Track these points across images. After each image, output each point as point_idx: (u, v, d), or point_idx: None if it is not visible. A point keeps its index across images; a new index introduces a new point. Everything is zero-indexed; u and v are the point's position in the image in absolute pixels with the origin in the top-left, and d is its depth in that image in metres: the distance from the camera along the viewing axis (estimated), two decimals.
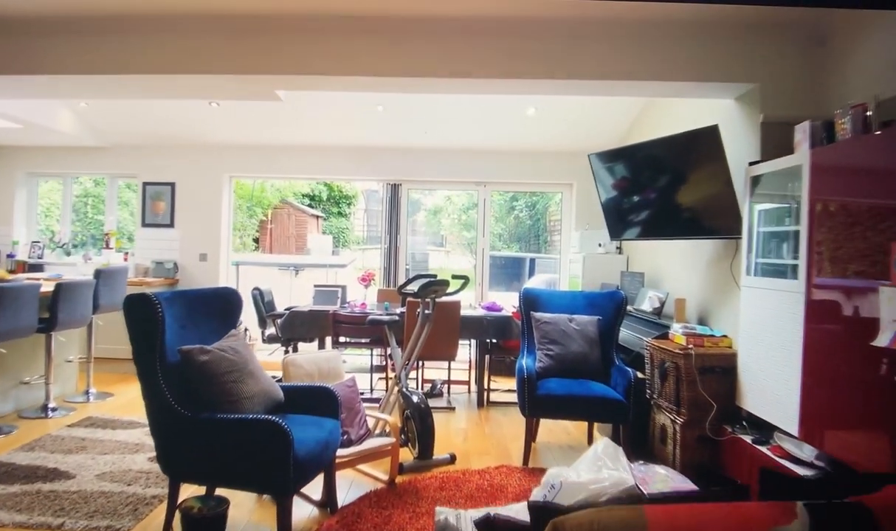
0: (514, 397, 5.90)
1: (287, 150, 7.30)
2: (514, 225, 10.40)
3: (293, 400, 3.47)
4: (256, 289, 6.12)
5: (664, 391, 4.25)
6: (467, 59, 4.16)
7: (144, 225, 7.31)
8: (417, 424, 4.22)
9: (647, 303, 5.32)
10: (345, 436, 3.89)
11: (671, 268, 5.46)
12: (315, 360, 4.14)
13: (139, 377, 3.02)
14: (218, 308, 3.55)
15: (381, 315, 4.99)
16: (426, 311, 4.38)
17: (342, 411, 3.97)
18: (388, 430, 4.10)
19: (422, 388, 6.18)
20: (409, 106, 6.23)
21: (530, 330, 4.65)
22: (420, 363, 6.13)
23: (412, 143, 7.16)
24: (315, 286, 6.16)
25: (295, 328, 5.76)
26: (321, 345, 5.97)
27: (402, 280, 7.35)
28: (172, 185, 7.29)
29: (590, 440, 4.80)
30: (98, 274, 5.46)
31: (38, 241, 7.44)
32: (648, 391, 4.50)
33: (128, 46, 4.24)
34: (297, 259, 8.62)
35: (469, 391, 6.37)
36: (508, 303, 6.42)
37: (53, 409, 5.12)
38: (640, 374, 4.51)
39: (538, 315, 4.62)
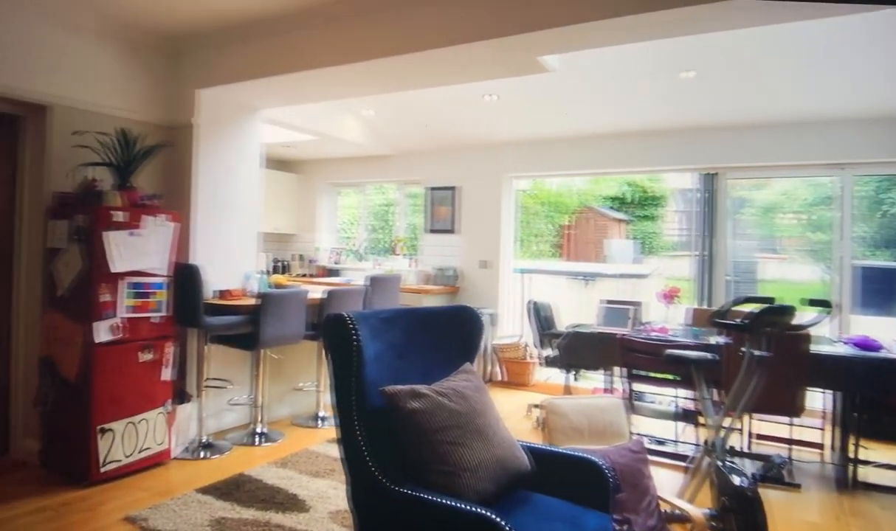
0: None
1: (570, 142, 6.26)
2: (884, 224, 7.61)
3: (545, 471, 2.39)
4: (532, 301, 5.20)
5: None
6: None
7: (429, 231, 7.02)
8: (740, 523, 2.76)
9: None
10: (624, 527, 2.67)
11: None
12: (585, 409, 3.00)
13: (336, 421, 2.28)
14: (450, 332, 2.65)
15: (685, 349, 3.59)
16: (757, 353, 2.87)
17: (622, 489, 2.75)
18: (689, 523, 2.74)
19: (748, 446, 4.52)
20: (731, 65, 4.63)
21: None
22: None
23: (733, 119, 5.47)
24: (603, 302, 4.97)
25: (576, 352, 4.67)
26: (608, 377, 4.77)
27: (719, 297, 5.70)
28: (454, 189, 6.86)
29: None
30: (370, 281, 5.14)
31: (337, 247, 7.74)
32: None
33: (373, 29, 3.71)
34: (589, 267, 7.51)
35: (822, 459, 4.46)
36: (886, 334, 4.33)
37: (324, 419, 4.92)
38: None
39: None
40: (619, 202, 13.21)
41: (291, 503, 3.44)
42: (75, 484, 3.53)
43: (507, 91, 5.41)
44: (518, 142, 6.51)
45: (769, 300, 2.94)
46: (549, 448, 2.54)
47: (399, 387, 2.22)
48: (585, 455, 2.43)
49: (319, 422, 4.89)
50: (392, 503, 2.06)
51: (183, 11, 4.02)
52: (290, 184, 7.93)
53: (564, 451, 2.47)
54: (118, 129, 3.84)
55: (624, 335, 4.30)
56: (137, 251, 3.72)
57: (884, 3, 3.04)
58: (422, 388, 2.25)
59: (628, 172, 7.07)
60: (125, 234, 3.65)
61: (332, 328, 2.22)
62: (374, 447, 2.18)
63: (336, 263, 7.60)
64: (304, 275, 7.52)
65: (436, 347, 2.60)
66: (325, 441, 4.48)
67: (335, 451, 4.24)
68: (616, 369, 4.73)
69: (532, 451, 2.43)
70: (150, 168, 4.16)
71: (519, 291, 6.82)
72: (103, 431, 3.57)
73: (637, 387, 4.48)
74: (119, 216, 3.62)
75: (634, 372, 4.30)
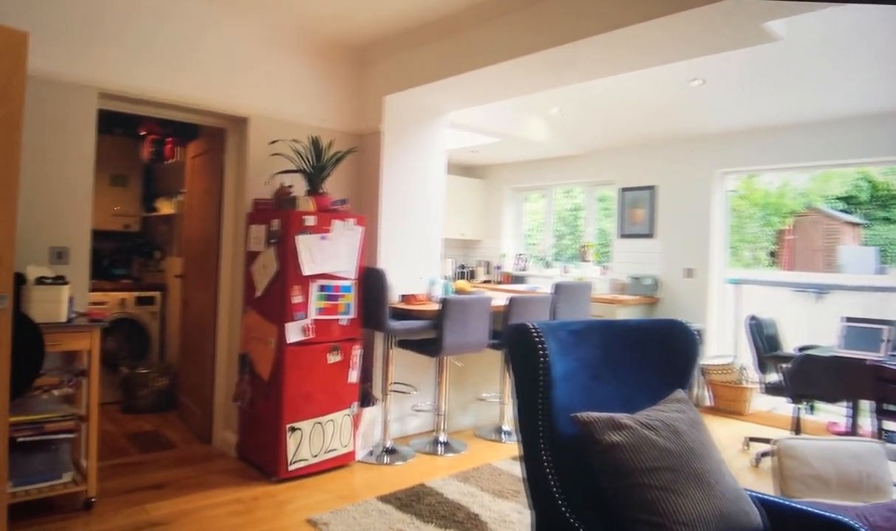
0: None
1: (797, 129, 5.31)
2: None
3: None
4: (753, 318, 4.45)
5: None
6: None
7: (622, 236, 6.45)
8: None
9: None
10: None
11: None
12: (832, 455, 2.37)
13: (520, 447, 1.98)
14: (657, 351, 2.21)
15: None
16: None
17: None
18: None
19: None
20: None
21: None
22: None
23: None
24: (844, 320, 4.10)
25: (809, 380, 3.89)
26: (854, 412, 3.90)
27: None
28: (652, 189, 6.22)
29: None
30: (556, 288, 4.78)
31: (523, 254, 7.46)
32: None
33: (561, 11, 3.36)
34: (819, 278, 6.39)
35: None
36: None
37: (508, 433, 4.65)
38: None
39: None
40: (851, 202, 11.22)
41: (472, 523, 3.20)
42: (266, 479, 3.63)
43: (716, 72, 4.73)
44: (732, 132, 5.69)
45: None
46: (787, 502, 1.99)
47: (595, 414, 1.85)
48: (836, 515, 1.86)
49: (503, 436, 4.63)
50: None
51: (368, 20, 4.05)
52: (475, 189, 7.84)
53: (807, 508, 1.91)
54: (310, 137, 3.93)
55: (877, 362, 3.46)
56: (327, 254, 3.76)
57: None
58: (623, 418, 1.86)
59: (861, 162, 5.76)
60: (316, 238, 3.71)
61: (515, 340, 1.91)
62: (566, 482, 1.84)
63: (521, 270, 7.33)
64: (487, 282, 7.37)
65: (638, 369, 2.18)
66: (508, 457, 4.20)
67: (520, 471, 3.94)
68: (863, 403, 3.87)
69: (765, 504, 1.91)
70: (338, 174, 4.20)
71: (731, 305, 5.97)
72: (292, 430, 3.63)
73: (889, 425, 3.59)
74: (310, 220, 3.68)
75: (886, 407, 3.44)
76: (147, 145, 5.37)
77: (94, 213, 5.47)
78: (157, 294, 5.46)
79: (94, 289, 5.03)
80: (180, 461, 3.93)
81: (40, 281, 2.96)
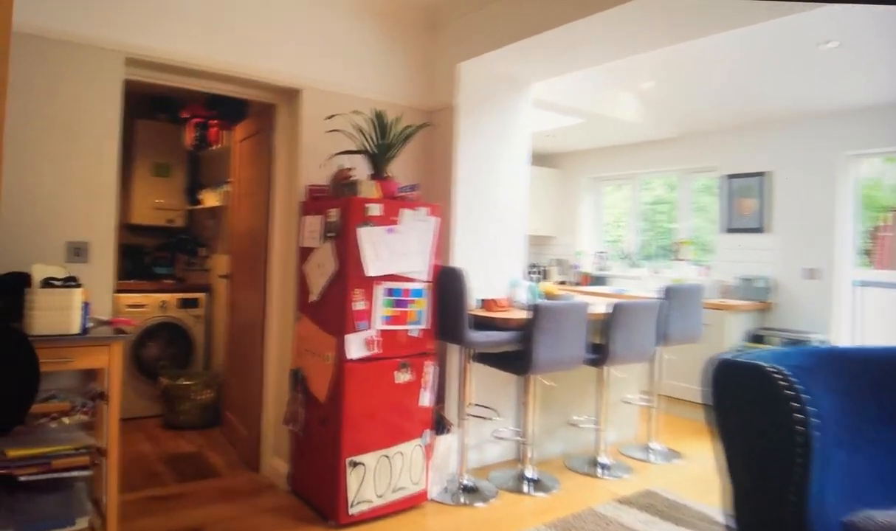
0: None
1: None
2: None
3: None
4: None
5: None
6: None
7: (726, 230, 5.56)
8: None
9: None
10: None
11: None
12: None
13: None
14: None
15: None
16: None
17: None
18: None
19: None
20: None
21: None
22: None
23: None
24: None
25: None
26: None
27: None
28: (764, 175, 5.32)
29: None
30: (668, 293, 3.99)
31: (603, 251, 6.63)
32: None
33: None
34: None
35: None
36: None
37: (605, 467, 3.89)
38: None
39: None
40: None
41: None
42: (322, 522, 3.00)
43: (857, 32, 3.82)
44: (866, 107, 4.75)
45: None
46: None
47: (881, 517, 1.10)
48: None
49: (600, 469, 3.87)
50: None
51: None
52: (549, 180, 7.04)
53: None
54: (374, 111, 3.27)
55: None
56: (395, 251, 3.09)
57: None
58: None
59: None
60: (382, 231, 3.04)
61: (744, 390, 1.16)
62: None
63: (602, 269, 6.50)
64: (563, 283, 6.57)
65: (887, 422, 1.41)
66: (612, 499, 3.44)
67: (632, 520, 3.17)
68: None
69: None
70: (403, 157, 3.47)
71: (857, 310, 5.04)
72: (354, 464, 2.97)
73: None
74: (375, 209, 3.01)
75: None
76: (190, 130, 4.82)
77: (135, 205, 5.07)
78: (201, 295, 4.91)
79: (133, 290, 4.57)
80: (223, 494, 3.33)
81: (47, 283, 2.38)
